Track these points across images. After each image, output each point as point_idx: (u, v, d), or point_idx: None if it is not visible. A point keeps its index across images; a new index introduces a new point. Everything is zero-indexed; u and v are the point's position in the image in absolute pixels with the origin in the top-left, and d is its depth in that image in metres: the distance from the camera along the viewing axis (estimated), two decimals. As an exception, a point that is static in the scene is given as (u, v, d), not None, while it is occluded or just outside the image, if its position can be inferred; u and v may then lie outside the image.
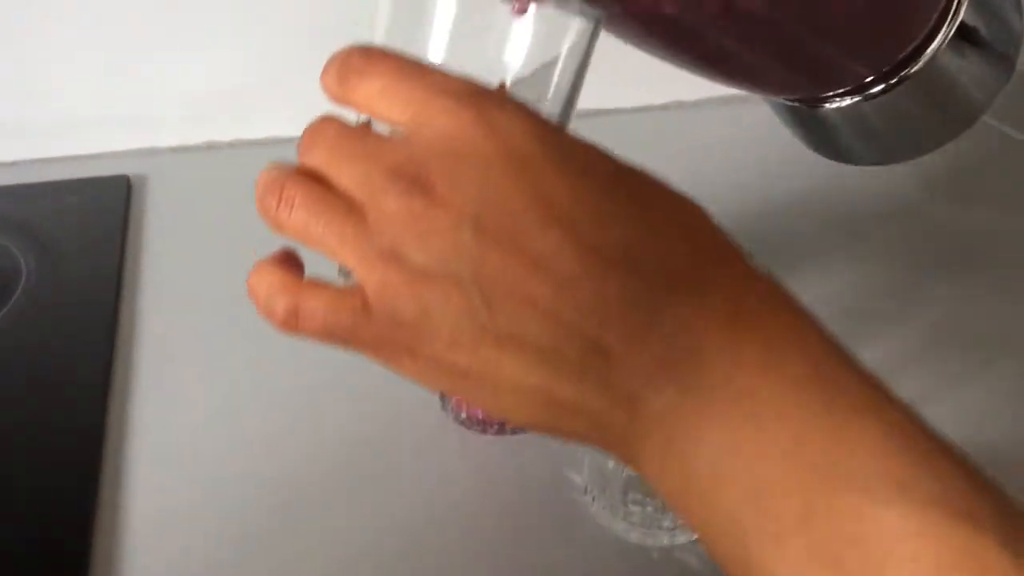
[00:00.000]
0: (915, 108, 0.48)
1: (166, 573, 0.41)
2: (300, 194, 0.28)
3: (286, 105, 0.79)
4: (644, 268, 0.26)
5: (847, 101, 0.48)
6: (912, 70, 0.46)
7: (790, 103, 0.52)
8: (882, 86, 0.47)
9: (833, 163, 0.75)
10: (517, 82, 0.32)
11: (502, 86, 0.32)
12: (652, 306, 0.26)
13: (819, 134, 0.52)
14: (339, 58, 0.29)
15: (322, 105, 0.85)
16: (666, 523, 0.44)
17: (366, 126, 0.29)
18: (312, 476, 0.46)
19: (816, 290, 0.57)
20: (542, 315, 0.26)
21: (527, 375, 0.27)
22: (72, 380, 0.52)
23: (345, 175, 0.28)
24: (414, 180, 0.26)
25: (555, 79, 0.32)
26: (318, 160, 0.29)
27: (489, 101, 0.27)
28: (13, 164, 0.74)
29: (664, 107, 0.81)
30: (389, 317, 0.27)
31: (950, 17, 0.45)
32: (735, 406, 0.26)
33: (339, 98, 0.29)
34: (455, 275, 0.26)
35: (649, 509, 0.44)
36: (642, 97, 0.80)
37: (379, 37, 0.32)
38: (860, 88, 0.47)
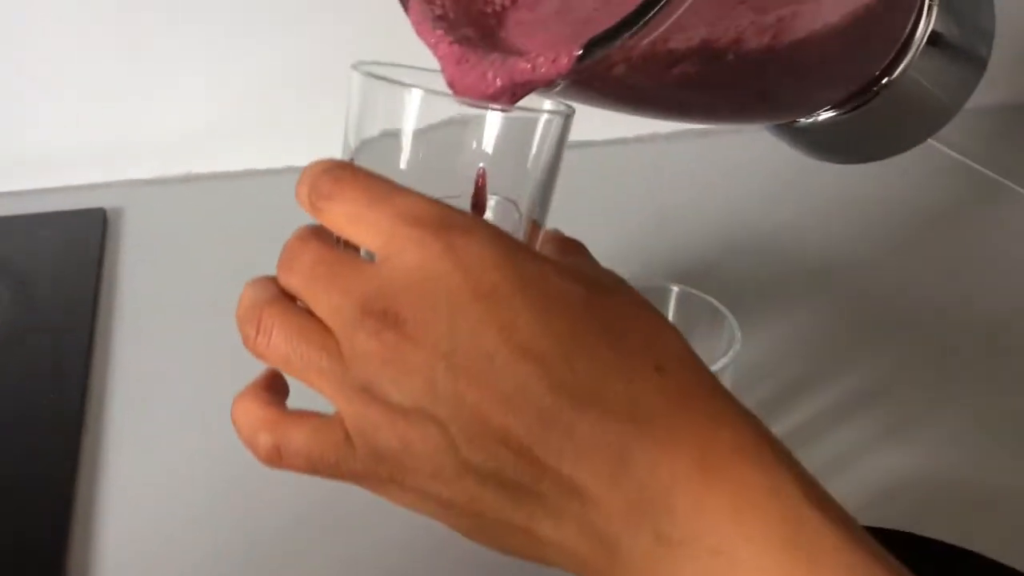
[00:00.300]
0: (892, 114, 0.48)
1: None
2: (277, 324, 0.29)
3: (263, 138, 0.79)
4: (614, 407, 0.26)
5: (823, 116, 0.49)
6: (885, 82, 0.47)
7: None
8: (857, 101, 0.47)
9: (804, 201, 0.77)
10: (492, 176, 0.32)
11: (478, 187, 0.32)
12: (623, 448, 0.26)
13: (797, 140, 0.53)
14: (309, 179, 0.29)
15: (298, 140, 0.85)
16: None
17: (343, 250, 0.29)
18: (293, 508, 0.46)
19: (778, 329, 0.59)
20: (517, 454, 0.26)
21: (509, 512, 0.27)
22: (46, 414, 0.52)
23: (320, 304, 0.28)
24: (384, 315, 0.27)
25: (529, 171, 0.33)
26: (295, 285, 0.29)
27: (455, 230, 0.27)
28: (-13, 197, 0.74)
29: (638, 139, 0.82)
30: (370, 451, 0.27)
31: (921, 27, 0.46)
32: (713, 563, 0.25)
33: (312, 216, 0.30)
34: (432, 413, 0.26)
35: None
36: (615, 130, 0.81)
37: (351, 138, 0.33)
38: (835, 106, 0.48)
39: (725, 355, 0.39)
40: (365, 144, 0.33)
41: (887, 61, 0.47)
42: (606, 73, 0.32)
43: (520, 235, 0.33)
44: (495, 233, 0.28)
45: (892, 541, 0.39)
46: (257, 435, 0.29)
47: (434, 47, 0.34)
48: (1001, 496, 0.48)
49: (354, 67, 0.32)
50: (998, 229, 0.75)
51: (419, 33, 0.35)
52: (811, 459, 0.48)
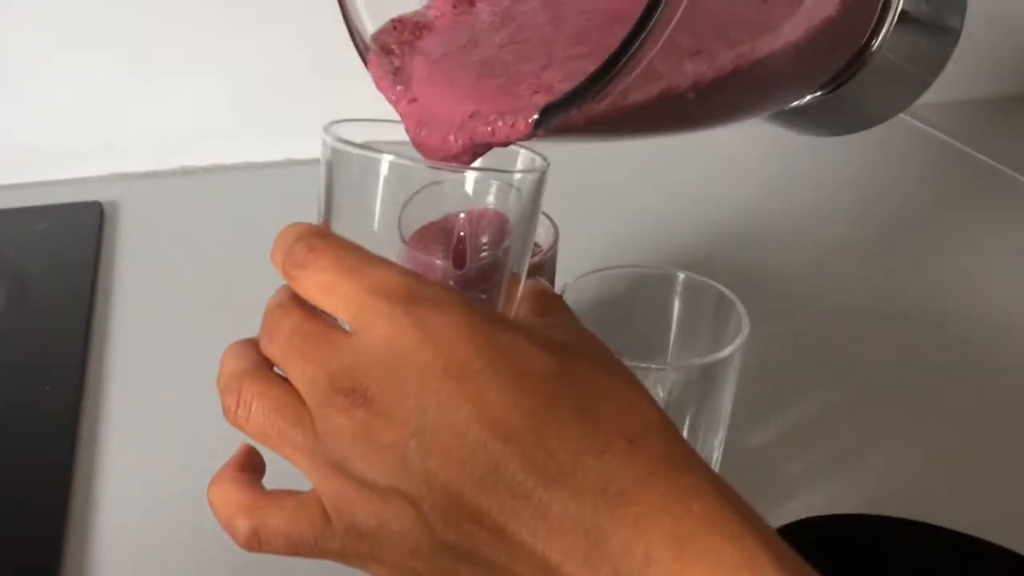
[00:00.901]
0: (868, 91, 0.48)
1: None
2: (256, 398, 0.29)
3: (259, 132, 0.79)
4: (586, 485, 0.26)
5: (807, 99, 0.49)
6: (859, 65, 0.47)
7: None
8: (832, 85, 0.47)
9: (805, 192, 0.77)
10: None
11: (459, 236, 0.33)
12: (596, 527, 0.25)
13: (774, 120, 0.53)
14: (284, 247, 0.30)
15: (295, 133, 0.85)
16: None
17: (322, 317, 0.29)
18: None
19: (783, 316, 0.59)
20: (491, 532, 0.26)
21: None
22: (43, 407, 0.51)
23: (296, 375, 0.28)
24: (353, 392, 0.27)
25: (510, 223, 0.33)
26: (274, 355, 0.29)
27: (424, 304, 0.27)
28: (-17, 190, 0.74)
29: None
30: (348, 529, 0.28)
31: (892, 7, 0.46)
32: None
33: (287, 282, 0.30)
34: (404, 492, 0.26)
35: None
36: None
37: (324, 199, 0.33)
38: (817, 89, 0.48)
39: (733, 341, 0.39)
40: (339, 205, 0.33)
41: (859, 47, 0.47)
42: (573, 125, 0.32)
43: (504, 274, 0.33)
44: (466, 305, 0.27)
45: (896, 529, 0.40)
46: (235, 521, 0.30)
47: (395, 104, 0.34)
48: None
49: (325, 130, 0.32)
50: (997, 214, 0.76)
51: (380, 89, 0.35)
52: (821, 447, 0.50)
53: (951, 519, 0.41)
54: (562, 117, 0.29)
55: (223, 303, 0.62)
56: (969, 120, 0.92)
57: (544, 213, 0.47)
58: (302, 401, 0.28)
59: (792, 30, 0.37)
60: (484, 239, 0.45)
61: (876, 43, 0.46)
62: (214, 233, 0.70)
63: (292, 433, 0.28)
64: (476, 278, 0.38)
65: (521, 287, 0.33)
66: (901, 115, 0.89)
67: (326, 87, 0.63)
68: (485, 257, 0.34)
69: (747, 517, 0.26)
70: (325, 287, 0.28)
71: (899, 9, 0.46)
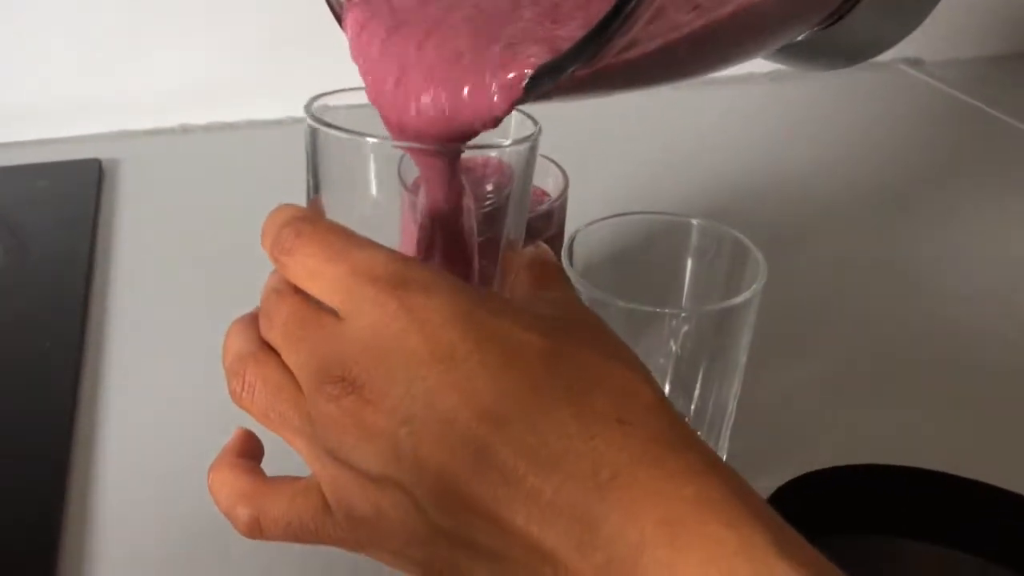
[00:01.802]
0: (864, 23, 0.47)
1: (134, 562, 0.41)
2: (259, 381, 0.29)
3: (259, 89, 0.78)
4: (578, 470, 0.25)
5: (800, 36, 0.48)
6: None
7: None
8: (829, 20, 0.46)
9: (820, 145, 0.76)
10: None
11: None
12: (589, 512, 0.25)
13: (782, 57, 0.52)
14: (272, 231, 0.30)
15: (295, 91, 0.84)
16: None
17: (315, 306, 0.29)
18: (288, 458, 0.45)
19: (798, 266, 0.58)
20: (485, 519, 0.25)
21: (485, 574, 0.26)
22: (42, 365, 0.51)
23: (292, 361, 0.28)
24: (343, 379, 0.26)
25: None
26: (273, 339, 0.29)
27: (412, 288, 0.27)
28: (-18, 148, 0.73)
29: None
30: (347, 515, 0.27)
31: None
32: None
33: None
34: (397, 480, 0.26)
35: None
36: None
37: (312, 180, 0.33)
38: (817, 24, 0.47)
39: (750, 287, 0.38)
40: (327, 181, 0.32)
41: None
42: (563, 86, 0.30)
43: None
44: (454, 288, 0.27)
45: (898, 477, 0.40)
46: (235, 508, 0.30)
47: (370, 90, 0.32)
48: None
49: (307, 109, 0.32)
50: (1011, 168, 0.75)
51: (354, 59, 0.33)
52: (836, 396, 0.50)
53: (969, 468, 0.40)
54: (553, 82, 0.28)
55: (222, 261, 0.61)
56: (983, 77, 0.91)
57: (553, 161, 0.47)
58: (299, 386, 0.28)
59: None
60: (488, 187, 0.44)
61: None
62: (213, 191, 0.69)
63: (291, 417, 0.28)
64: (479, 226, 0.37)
65: (521, 255, 0.33)
66: (915, 72, 0.88)
67: (327, 44, 0.62)
68: (489, 205, 0.33)
69: (745, 500, 0.25)
70: (313, 273, 0.28)
71: None
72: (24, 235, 0.62)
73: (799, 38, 0.47)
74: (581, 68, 0.27)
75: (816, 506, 0.39)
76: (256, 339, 0.30)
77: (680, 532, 0.24)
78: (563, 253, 0.40)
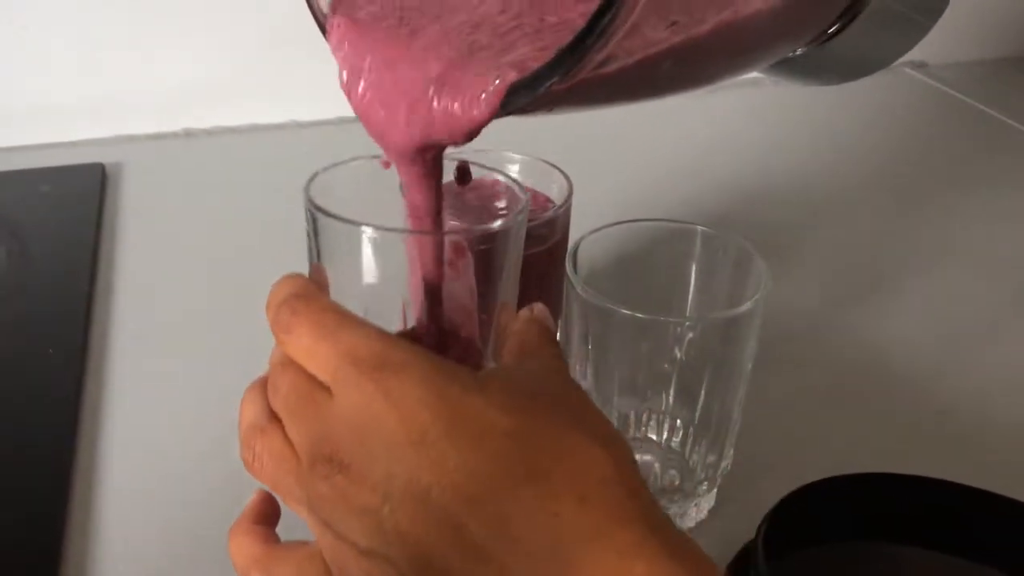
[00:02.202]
0: (864, 38, 0.47)
1: (136, 565, 0.41)
2: (266, 453, 0.31)
3: (262, 93, 0.78)
4: (539, 548, 0.26)
5: (800, 51, 0.47)
6: (853, 12, 0.45)
7: None
8: (834, 29, 0.46)
9: (823, 149, 0.76)
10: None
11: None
12: None
13: (777, 73, 0.52)
14: (273, 309, 0.32)
15: (297, 95, 0.84)
16: None
17: (312, 381, 0.31)
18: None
19: (801, 272, 0.58)
20: None
21: None
22: (46, 369, 0.51)
23: (292, 434, 0.30)
24: (331, 460, 0.28)
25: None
26: (277, 410, 0.32)
27: (389, 370, 0.28)
28: (-15, 152, 0.73)
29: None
30: None
31: None
32: None
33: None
34: (384, 553, 0.28)
35: None
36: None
37: (313, 252, 0.35)
38: (810, 41, 0.47)
39: (755, 295, 0.38)
40: (328, 258, 0.34)
41: None
42: (542, 100, 0.30)
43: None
44: (430, 368, 0.28)
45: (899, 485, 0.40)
46: (250, 573, 0.32)
47: (348, 93, 0.33)
48: None
49: (306, 192, 0.34)
50: (1014, 169, 0.76)
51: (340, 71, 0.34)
52: (840, 404, 0.49)
53: (972, 477, 0.40)
54: (530, 96, 0.28)
55: (225, 264, 0.61)
56: (986, 79, 0.91)
57: (557, 167, 0.46)
58: (300, 459, 0.30)
59: None
60: (501, 204, 0.44)
61: None
62: (216, 195, 0.69)
63: (293, 489, 0.30)
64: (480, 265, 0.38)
65: (514, 319, 0.34)
66: (919, 75, 0.88)
67: (330, 50, 0.62)
68: (502, 222, 0.34)
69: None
70: (307, 351, 0.30)
71: None
72: (27, 239, 0.62)
73: (793, 54, 0.46)
74: (558, 83, 0.28)
75: (821, 514, 0.39)
76: (265, 409, 0.32)
77: None
78: (567, 260, 0.40)
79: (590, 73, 0.29)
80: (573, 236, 0.43)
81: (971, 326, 0.57)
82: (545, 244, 0.44)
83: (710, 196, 0.54)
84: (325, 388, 0.30)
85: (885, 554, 0.40)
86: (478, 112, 0.29)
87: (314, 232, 0.34)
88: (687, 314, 0.42)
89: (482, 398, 0.28)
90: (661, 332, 0.38)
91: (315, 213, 0.33)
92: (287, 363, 0.31)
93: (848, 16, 0.46)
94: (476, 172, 0.47)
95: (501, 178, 0.36)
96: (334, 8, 0.36)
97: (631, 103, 0.39)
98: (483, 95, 0.29)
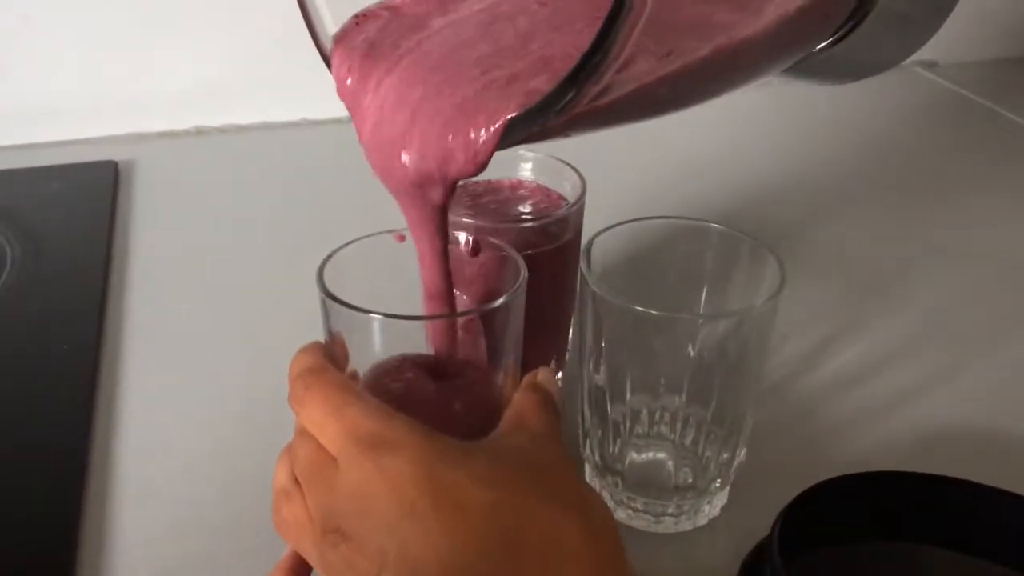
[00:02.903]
0: (873, 39, 0.47)
1: (151, 561, 0.41)
2: (290, 518, 0.34)
3: (273, 91, 0.78)
4: None
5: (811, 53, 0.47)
6: (862, 14, 0.45)
7: None
8: (834, 38, 0.46)
9: (836, 147, 0.76)
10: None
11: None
12: None
13: (786, 73, 0.52)
14: (290, 381, 0.35)
15: (309, 93, 0.84)
16: None
17: (325, 452, 0.34)
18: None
19: (817, 270, 0.58)
20: None
21: None
22: (60, 366, 0.51)
23: (309, 502, 0.33)
24: (337, 531, 0.32)
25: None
26: (298, 475, 0.34)
27: (384, 449, 0.31)
28: (-1, 150, 0.74)
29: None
30: None
31: None
32: None
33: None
34: None
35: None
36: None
37: (327, 325, 0.37)
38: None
39: (770, 293, 0.38)
40: (341, 330, 0.37)
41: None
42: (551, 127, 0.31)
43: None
44: (419, 447, 0.31)
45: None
46: None
47: (357, 123, 0.36)
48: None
49: (319, 278, 0.36)
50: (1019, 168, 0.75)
51: (340, 96, 0.36)
52: (854, 402, 0.49)
53: (988, 475, 0.40)
54: (527, 130, 0.30)
55: (236, 261, 0.61)
56: (997, 78, 0.91)
57: (570, 165, 0.46)
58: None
59: (772, 15, 0.35)
60: (526, 208, 0.45)
61: None
62: (228, 192, 0.70)
63: (311, 552, 0.33)
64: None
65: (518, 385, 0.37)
66: (930, 74, 0.88)
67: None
68: (503, 299, 0.36)
69: None
70: (318, 425, 0.33)
71: None
72: (40, 237, 0.62)
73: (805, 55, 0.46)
74: (555, 118, 0.29)
75: (835, 512, 0.39)
76: (291, 474, 0.35)
77: None
78: (582, 257, 0.40)
79: (588, 106, 0.29)
80: (586, 234, 0.43)
81: (984, 324, 0.57)
82: (558, 242, 0.44)
83: (722, 194, 0.54)
84: (334, 460, 0.33)
85: (899, 552, 0.40)
86: (481, 148, 0.31)
87: (325, 314, 0.37)
88: (701, 312, 0.42)
89: (466, 473, 0.31)
90: (675, 329, 0.38)
91: (327, 300, 0.36)
92: (304, 433, 0.34)
93: (856, 17, 0.46)
94: (491, 175, 0.48)
95: (506, 251, 0.39)
96: (337, 40, 0.37)
97: (639, 122, 0.39)
98: (486, 131, 0.31)
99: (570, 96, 0.28)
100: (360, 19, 0.38)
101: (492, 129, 0.31)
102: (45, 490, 0.44)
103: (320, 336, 0.38)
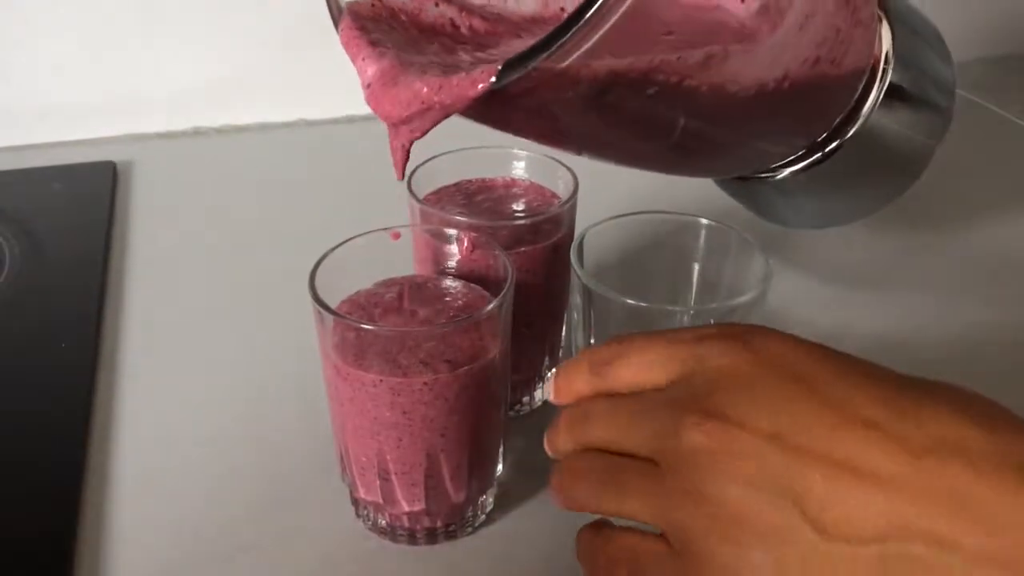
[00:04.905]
0: (854, 171, 0.47)
1: (149, 561, 0.41)
2: (597, 468, 0.31)
3: (271, 92, 0.79)
4: (980, 460, 0.26)
5: (781, 175, 0.48)
6: (846, 136, 0.45)
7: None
8: (817, 155, 0.46)
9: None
10: None
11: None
12: (998, 500, 0.25)
13: (756, 202, 0.52)
14: (584, 358, 0.33)
15: (308, 94, 0.84)
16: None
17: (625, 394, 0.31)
18: (294, 458, 0.46)
19: (805, 266, 0.59)
20: (878, 517, 0.26)
21: None
22: (58, 367, 0.51)
23: (638, 435, 0.30)
24: (705, 413, 0.28)
25: None
26: (597, 435, 0.31)
27: (752, 333, 0.30)
28: (-3, 150, 0.74)
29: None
30: (699, 563, 0.28)
31: (878, 80, 0.45)
32: None
33: (595, 388, 0.32)
34: (772, 498, 0.27)
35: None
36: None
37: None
38: (793, 161, 0.47)
39: (756, 287, 0.39)
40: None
41: (845, 113, 0.45)
42: (543, 93, 0.32)
43: None
44: (786, 333, 0.30)
45: None
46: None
47: (361, 71, 0.35)
48: None
49: (311, 288, 0.38)
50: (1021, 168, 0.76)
51: (348, 53, 0.36)
52: None
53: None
54: (522, 71, 0.30)
55: (235, 261, 0.62)
56: (993, 77, 0.91)
57: (562, 163, 0.47)
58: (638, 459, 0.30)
59: (770, 58, 0.36)
60: (518, 206, 0.45)
61: (862, 113, 0.45)
62: (226, 193, 0.70)
63: (637, 483, 0.30)
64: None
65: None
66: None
67: (339, 48, 0.63)
68: (492, 305, 0.37)
69: None
70: (649, 363, 0.31)
71: (888, 81, 0.45)
72: (39, 237, 0.62)
73: (778, 176, 0.47)
74: (553, 59, 0.29)
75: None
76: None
77: None
78: (572, 253, 0.40)
79: (581, 62, 0.29)
80: (578, 231, 0.43)
81: (975, 322, 0.57)
82: (551, 239, 0.44)
83: (716, 193, 0.55)
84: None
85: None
86: (481, 79, 0.31)
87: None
88: (690, 305, 0.42)
89: (852, 358, 0.30)
90: (664, 322, 0.38)
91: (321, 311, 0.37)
92: (589, 396, 0.32)
93: (843, 133, 0.46)
94: (485, 174, 0.48)
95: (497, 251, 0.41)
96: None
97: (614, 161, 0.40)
98: (486, 69, 0.31)
99: (567, 36, 0.28)
100: (376, 1, 0.38)
101: (489, 67, 0.31)
102: (44, 487, 0.44)
103: (313, 334, 0.39)
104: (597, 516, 0.33)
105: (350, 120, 0.79)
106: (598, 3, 0.28)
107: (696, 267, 0.42)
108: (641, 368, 0.31)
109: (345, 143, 0.76)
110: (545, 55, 0.29)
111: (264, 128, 0.79)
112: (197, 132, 0.78)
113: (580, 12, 0.28)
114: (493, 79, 0.30)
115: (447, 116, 0.33)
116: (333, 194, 0.68)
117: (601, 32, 0.29)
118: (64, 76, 0.74)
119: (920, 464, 0.26)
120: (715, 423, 0.28)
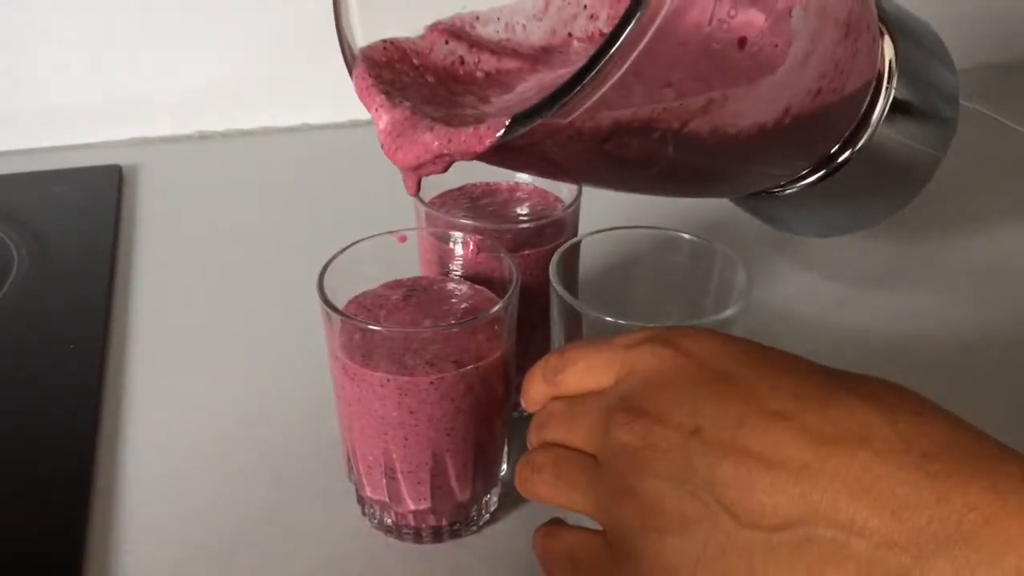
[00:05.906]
0: (860, 185, 0.48)
1: (158, 560, 0.42)
2: (548, 462, 0.33)
3: (276, 96, 0.79)
4: (884, 448, 0.27)
5: (789, 191, 0.48)
6: (851, 152, 0.46)
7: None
8: (822, 172, 0.47)
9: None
10: None
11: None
12: (903, 483, 0.26)
13: (763, 214, 0.53)
14: (539, 368, 0.35)
15: (312, 98, 0.85)
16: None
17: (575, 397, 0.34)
18: (300, 457, 0.46)
19: (789, 281, 0.59)
20: (788, 504, 0.27)
21: (794, 563, 0.27)
22: (65, 371, 0.52)
23: (580, 433, 0.32)
24: (634, 411, 0.30)
25: None
26: (553, 436, 0.34)
27: (681, 335, 0.32)
28: (3, 154, 0.74)
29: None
30: (628, 555, 0.30)
31: (883, 95, 0.45)
32: None
33: (549, 394, 0.35)
34: (693, 489, 0.29)
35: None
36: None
37: None
38: (799, 179, 0.47)
39: (737, 303, 0.38)
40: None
41: (849, 131, 0.46)
42: (551, 142, 0.33)
43: None
44: (713, 332, 0.32)
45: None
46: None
47: (376, 118, 0.36)
48: None
49: (319, 288, 0.39)
50: (1019, 174, 0.76)
51: (362, 100, 0.37)
52: None
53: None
54: (526, 127, 0.31)
55: (239, 264, 0.62)
56: (992, 84, 0.91)
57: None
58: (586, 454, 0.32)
59: (769, 97, 0.36)
60: (522, 210, 0.46)
61: (868, 129, 0.45)
62: (230, 196, 0.70)
63: (576, 476, 0.32)
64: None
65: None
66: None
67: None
68: (498, 306, 0.38)
69: None
70: (587, 368, 0.33)
71: (892, 96, 0.45)
72: (46, 240, 0.63)
73: (786, 192, 0.47)
74: (556, 116, 0.30)
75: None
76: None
77: (1010, 499, 0.25)
78: (550, 269, 0.40)
79: (583, 117, 0.30)
80: (558, 251, 0.44)
81: (976, 326, 0.57)
82: (554, 243, 0.45)
83: (701, 205, 0.55)
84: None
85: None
86: (488, 133, 0.32)
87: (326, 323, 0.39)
88: (671, 321, 0.43)
89: (769, 348, 0.31)
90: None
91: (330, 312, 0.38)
92: (555, 399, 0.34)
93: (847, 150, 0.46)
94: (489, 178, 0.49)
95: (503, 256, 0.42)
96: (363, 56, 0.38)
97: (629, 186, 0.41)
98: (494, 123, 0.32)
99: (574, 92, 0.29)
100: (388, 45, 0.40)
101: (501, 120, 0.32)
102: (52, 488, 0.44)
103: (319, 335, 0.39)
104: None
105: (355, 124, 0.79)
106: (598, 67, 0.29)
107: (680, 283, 0.42)
108: (586, 374, 0.33)
109: (350, 147, 0.76)
110: (549, 113, 0.30)
111: (269, 132, 0.79)
112: (202, 136, 0.78)
113: (581, 74, 0.29)
114: (499, 134, 0.32)
115: (455, 162, 0.35)
116: (338, 198, 0.69)
117: (602, 92, 0.30)
118: (70, 80, 0.75)
119: (827, 452, 0.27)
120: (640, 421, 0.30)
